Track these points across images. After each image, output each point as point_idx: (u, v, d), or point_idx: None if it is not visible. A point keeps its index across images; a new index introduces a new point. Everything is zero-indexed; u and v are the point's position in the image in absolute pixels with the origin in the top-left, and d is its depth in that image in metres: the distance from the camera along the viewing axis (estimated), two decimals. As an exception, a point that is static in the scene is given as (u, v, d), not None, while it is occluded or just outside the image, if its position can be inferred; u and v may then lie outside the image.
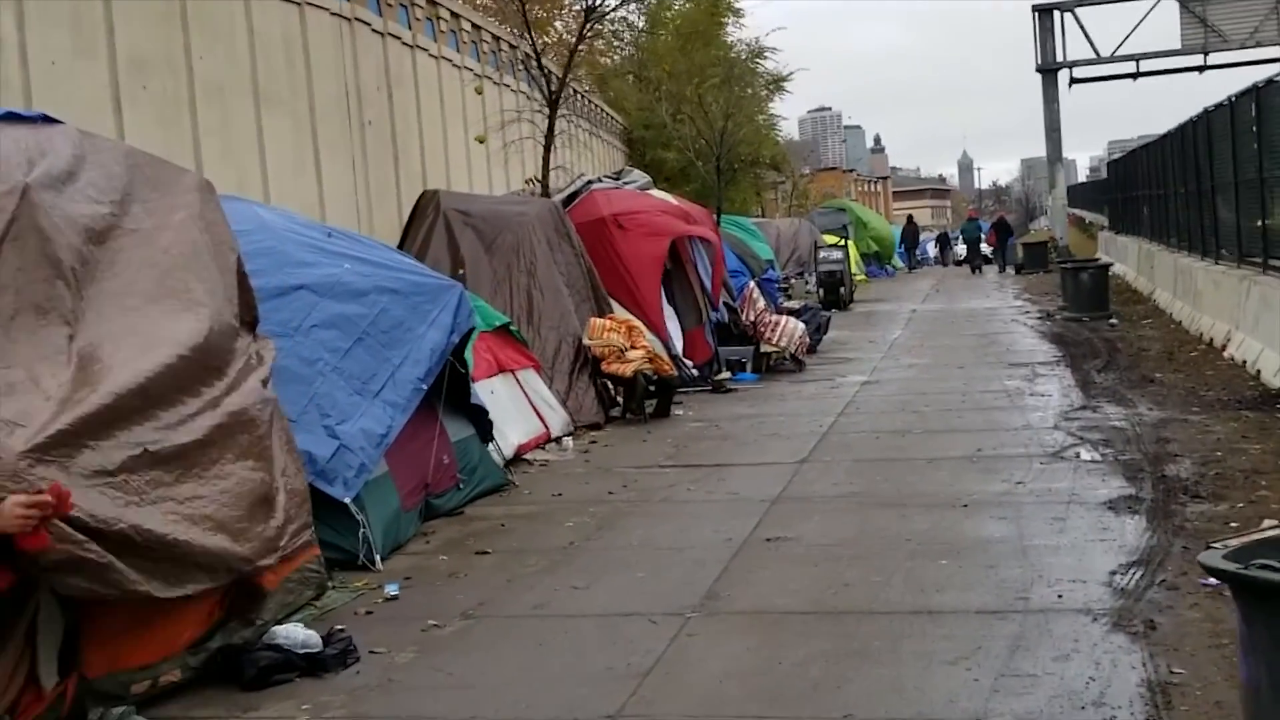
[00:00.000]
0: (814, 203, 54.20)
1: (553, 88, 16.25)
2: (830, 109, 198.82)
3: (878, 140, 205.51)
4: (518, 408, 11.92)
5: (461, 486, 9.68)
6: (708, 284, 18.07)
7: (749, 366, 17.18)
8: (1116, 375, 14.83)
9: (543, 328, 13.47)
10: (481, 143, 16.68)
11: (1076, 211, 54.79)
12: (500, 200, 15.33)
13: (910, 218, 53.29)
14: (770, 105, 41.72)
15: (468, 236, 14.07)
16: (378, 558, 7.95)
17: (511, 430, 11.49)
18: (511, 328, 12.39)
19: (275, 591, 6.69)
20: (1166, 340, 17.92)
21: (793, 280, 32.61)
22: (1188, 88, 41.24)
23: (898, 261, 46.67)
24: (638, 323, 14.19)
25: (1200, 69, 41.07)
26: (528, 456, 11.59)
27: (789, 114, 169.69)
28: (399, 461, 8.76)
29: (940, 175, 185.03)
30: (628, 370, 13.50)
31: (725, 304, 18.08)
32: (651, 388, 13.81)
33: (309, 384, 8.20)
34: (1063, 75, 42.48)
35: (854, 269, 35.16)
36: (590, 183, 17.03)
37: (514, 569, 7.78)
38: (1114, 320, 21.29)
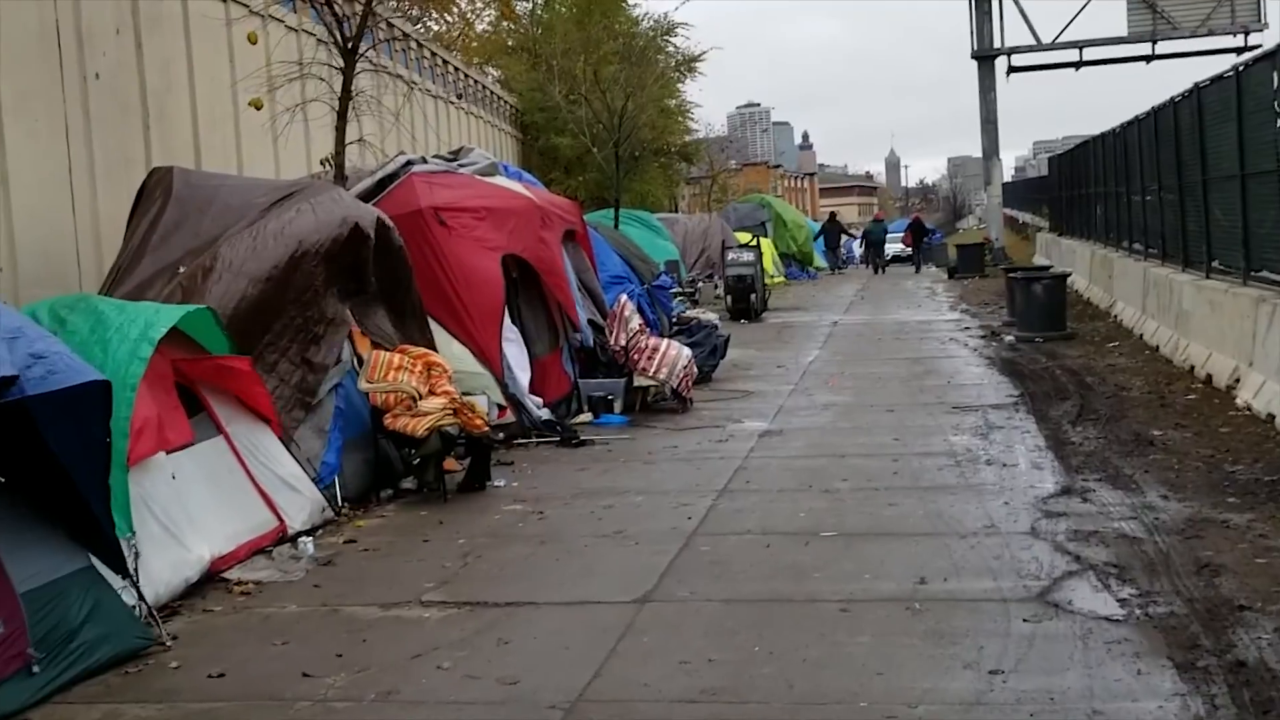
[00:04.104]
0: (735, 197, 50.31)
1: (346, 31, 12.01)
2: (759, 105, 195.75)
3: (806, 137, 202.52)
4: (222, 493, 7.84)
5: (36, 669, 5.58)
6: (576, 294, 14.06)
7: (618, 406, 13.18)
8: (1099, 430, 11.01)
9: (289, 354, 9.30)
10: (258, 109, 12.46)
11: (1009, 211, 51.49)
12: (259, 184, 11.18)
13: (832, 214, 49.14)
14: (680, 89, 37.64)
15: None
16: None
17: (200, 535, 7.39)
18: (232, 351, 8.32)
19: None
20: (1148, 374, 14.16)
21: (700, 284, 28.71)
22: (1122, 89, 38.13)
23: (820, 262, 42.79)
24: (440, 358, 10.06)
25: (1148, 59, 37.92)
26: (231, 574, 7.51)
27: (718, 110, 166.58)
28: None
29: (867, 172, 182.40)
30: (420, 427, 9.41)
31: (591, 323, 14.05)
32: (461, 448, 9.80)
33: None
34: (1000, 64, 39.05)
35: (770, 270, 31.31)
36: (410, 163, 12.86)
37: None
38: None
